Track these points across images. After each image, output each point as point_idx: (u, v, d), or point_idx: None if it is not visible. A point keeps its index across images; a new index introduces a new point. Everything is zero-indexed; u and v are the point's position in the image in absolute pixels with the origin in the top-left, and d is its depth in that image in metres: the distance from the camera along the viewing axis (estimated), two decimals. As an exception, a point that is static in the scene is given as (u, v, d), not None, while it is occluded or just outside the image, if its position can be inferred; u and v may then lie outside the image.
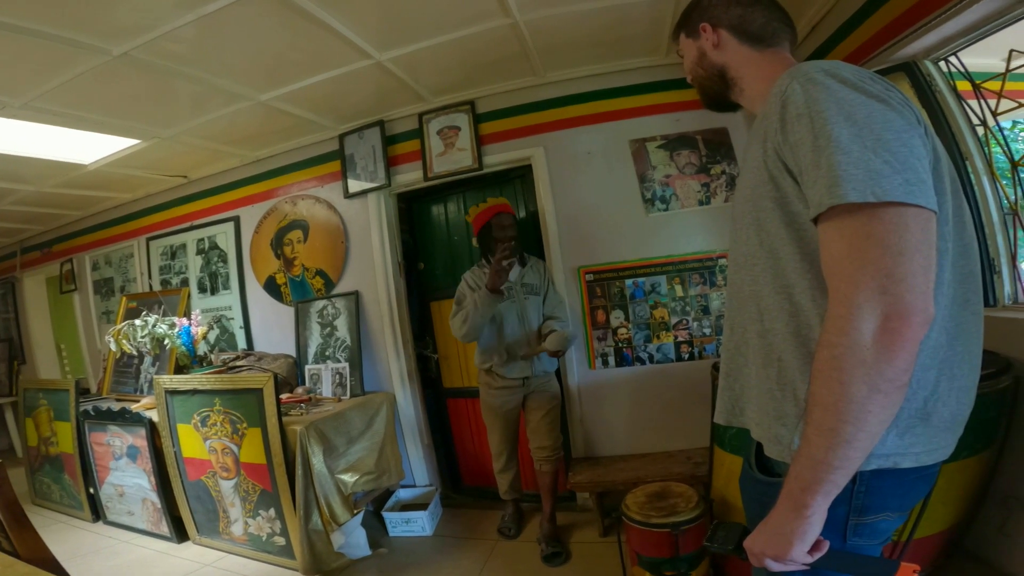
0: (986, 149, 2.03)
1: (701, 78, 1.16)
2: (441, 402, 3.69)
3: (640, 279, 3.09)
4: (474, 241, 3.08)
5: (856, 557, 0.88)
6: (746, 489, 1.10)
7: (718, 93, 1.15)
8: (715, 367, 2.29)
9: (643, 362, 3.08)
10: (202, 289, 4.07)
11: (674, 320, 3.05)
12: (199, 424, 2.92)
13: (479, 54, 2.79)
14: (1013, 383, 1.77)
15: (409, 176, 3.42)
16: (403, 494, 3.40)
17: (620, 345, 3.11)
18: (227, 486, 2.89)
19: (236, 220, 3.95)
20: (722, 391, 1.11)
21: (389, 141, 3.45)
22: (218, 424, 2.86)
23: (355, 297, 3.49)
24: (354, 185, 3.52)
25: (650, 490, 2.34)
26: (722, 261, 3.01)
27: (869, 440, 0.74)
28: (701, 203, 3.04)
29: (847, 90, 0.80)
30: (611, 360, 3.13)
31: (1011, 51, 2.01)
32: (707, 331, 3.02)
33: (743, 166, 1.05)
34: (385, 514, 3.14)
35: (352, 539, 2.76)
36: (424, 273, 3.69)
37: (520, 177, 3.39)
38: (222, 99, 2.89)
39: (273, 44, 2.43)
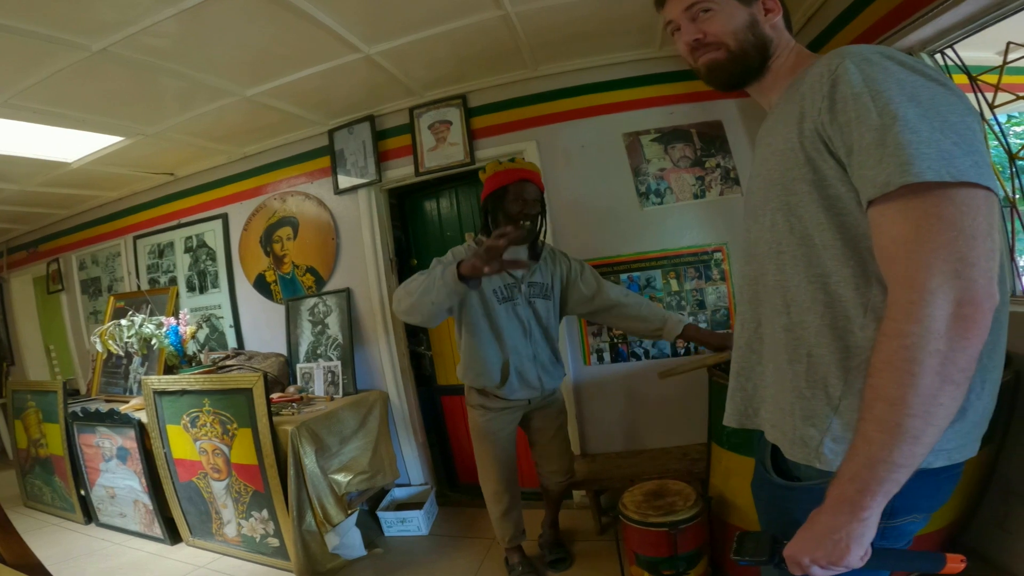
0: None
1: (746, 45, 1.02)
2: (435, 399, 3.66)
3: (635, 273, 3.06)
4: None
5: (903, 553, 0.86)
6: (760, 494, 1.06)
7: (749, 70, 1.05)
8: (718, 366, 2.24)
9: (638, 358, 3.06)
10: (191, 288, 4.01)
11: (669, 315, 3.02)
12: (189, 425, 2.89)
13: (470, 47, 2.73)
14: (1014, 377, 1.76)
15: (400, 171, 3.37)
16: (398, 493, 3.37)
17: (615, 341, 3.09)
18: (219, 487, 2.86)
19: (224, 217, 3.89)
20: (732, 392, 1.06)
21: (379, 136, 3.39)
22: (208, 425, 2.82)
23: (347, 294, 3.45)
24: (344, 181, 3.47)
25: (647, 488, 2.32)
26: (717, 255, 2.99)
27: (937, 434, 0.70)
28: (696, 196, 3.01)
29: (906, 72, 0.77)
30: (606, 356, 3.10)
31: (1008, 43, 1.99)
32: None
33: (762, 151, 0.99)
34: (380, 514, 3.11)
35: (347, 540, 2.73)
36: (417, 269, 3.63)
37: (513, 172, 3.33)
38: (207, 95, 2.83)
39: (258, 38, 2.37)
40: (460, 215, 3.54)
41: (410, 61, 2.82)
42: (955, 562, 0.79)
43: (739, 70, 1.05)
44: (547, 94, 3.14)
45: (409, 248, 3.67)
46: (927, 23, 1.89)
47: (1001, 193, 0.73)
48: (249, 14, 2.15)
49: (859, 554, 0.77)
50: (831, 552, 0.77)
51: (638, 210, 3.05)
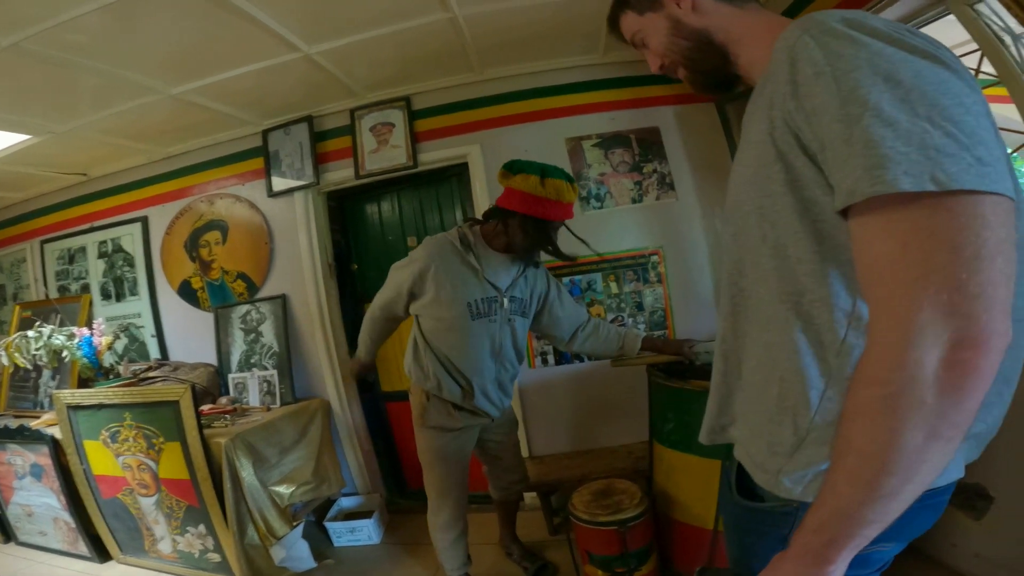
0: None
1: (687, 52, 0.95)
2: (380, 406, 3.58)
3: (577, 277, 3.13)
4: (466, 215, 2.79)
5: None
6: (725, 511, 0.97)
7: (715, 66, 0.94)
8: (657, 366, 2.34)
9: (582, 360, 3.11)
10: (106, 296, 3.73)
11: (610, 317, 3.10)
12: (109, 440, 2.70)
13: (416, 49, 2.72)
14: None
15: (339, 174, 3.30)
16: (345, 503, 3.29)
17: (559, 343, 3.13)
18: (147, 503, 2.70)
19: (144, 220, 3.65)
20: (708, 407, 0.96)
21: (318, 137, 3.30)
22: (130, 440, 2.65)
23: (282, 301, 3.33)
24: (279, 183, 3.35)
25: (595, 488, 2.36)
26: (654, 258, 3.09)
27: (918, 490, 0.59)
28: (634, 201, 3.12)
29: (880, 44, 0.62)
30: (550, 359, 3.15)
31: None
32: (641, 327, 3.09)
33: (741, 143, 0.86)
34: (328, 524, 3.03)
35: (294, 552, 2.63)
36: (358, 274, 3.57)
37: (456, 175, 3.35)
38: (128, 92, 2.66)
39: (188, 34, 2.26)
40: (403, 219, 3.50)
41: (353, 62, 2.77)
42: None
43: (705, 77, 0.98)
44: (492, 98, 3.17)
45: (349, 252, 3.59)
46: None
47: (1014, 196, 0.59)
48: (181, 10, 2.06)
49: None
50: None
51: (580, 214, 3.09)
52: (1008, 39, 1.80)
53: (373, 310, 2.27)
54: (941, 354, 0.54)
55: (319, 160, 3.30)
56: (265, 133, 3.36)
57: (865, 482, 0.59)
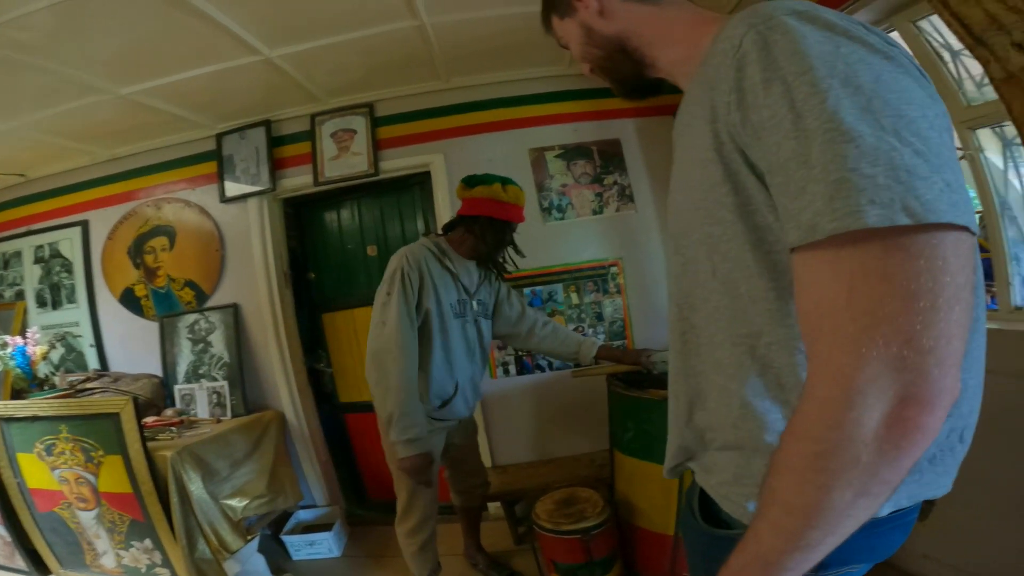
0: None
1: (600, 60, 0.91)
2: (339, 417, 3.50)
3: (538, 287, 3.14)
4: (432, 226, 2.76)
5: None
6: (687, 536, 0.91)
7: (631, 73, 0.89)
8: (617, 376, 2.39)
9: (543, 369, 3.13)
10: (41, 303, 3.52)
11: (571, 327, 3.12)
12: (44, 453, 2.55)
13: (382, 55, 2.70)
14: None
15: (297, 180, 3.22)
16: (303, 515, 3.20)
17: (520, 354, 3.13)
18: (87, 517, 2.57)
19: (85, 225, 3.47)
20: (668, 442, 0.89)
21: (276, 142, 3.23)
22: (67, 453, 2.51)
23: (233, 310, 3.21)
24: (232, 188, 3.25)
25: (558, 497, 2.37)
26: (614, 269, 3.14)
27: (839, 542, 0.54)
28: (595, 212, 3.16)
29: (836, 39, 0.54)
30: (512, 369, 3.15)
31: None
32: (601, 337, 3.13)
33: (678, 157, 0.77)
34: (285, 537, 2.95)
35: (249, 566, 2.55)
36: (315, 283, 3.49)
37: (419, 184, 3.32)
38: (74, 92, 2.54)
39: (142, 34, 2.18)
40: (363, 227, 3.44)
41: (316, 66, 2.73)
42: None
43: (623, 84, 0.94)
44: (458, 107, 3.17)
45: (306, 260, 3.50)
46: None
47: (979, 231, 0.53)
48: (135, 9, 1.98)
49: None
50: None
51: (541, 225, 3.14)
52: (947, 55, 1.90)
53: (397, 334, 1.95)
54: (885, 409, 0.48)
55: (276, 165, 3.22)
56: (219, 136, 3.27)
57: (789, 533, 0.55)
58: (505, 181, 2.12)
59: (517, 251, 2.23)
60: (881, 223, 0.47)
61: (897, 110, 0.50)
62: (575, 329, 3.11)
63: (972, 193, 1.89)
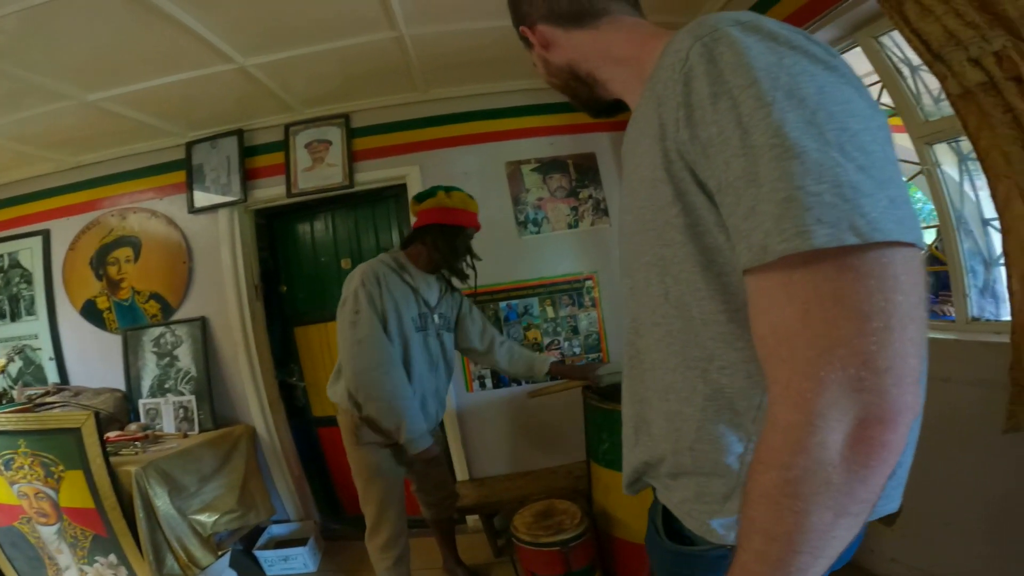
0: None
1: (559, 86, 0.95)
2: (311, 431, 3.43)
3: (514, 301, 3.15)
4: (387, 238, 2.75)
5: None
6: (653, 553, 0.90)
7: (588, 96, 0.92)
8: (590, 388, 2.40)
9: (519, 383, 3.12)
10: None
11: (547, 341, 3.14)
12: (2, 467, 2.48)
13: (359, 66, 2.69)
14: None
15: (270, 191, 3.17)
16: (277, 530, 3.13)
17: (496, 367, 3.13)
18: (48, 532, 2.51)
19: (46, 234, 3.36)
20: (624, 461, 0.87)
21: (248, 152, 3.18)
22: (26, 468, 2.45)
23: (201, 323, 3.14)
24: (201, 199, 3.19)
25: (536, 509, 2.37)
26: (589, 283, 3.17)
27: (829, 563, 0.54)
28: (570, 226, 3.19)
29: (782, 50, 0.54)
30: (488, 382, 3.14)
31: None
32: (577, 350, 3.15)
33: (627, 175, 0.76)
34: (259, 553, 2.89)
35: (220, 582, 2.47)
36: (287, 296, 3.43)
37: (394, 196, 3.30)
38: (38, 97, 2.47)
39: (110, 40, 2.13)
40: (336, 239, 3.41)
41: (291, 76, 2.70)
42: None
43: (587, 107, 0.96)
44: (434, 119, 3.17)
45: (278, 273, 3.44)
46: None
47: (924, 246, 0.52)
48: (103, 14, 1.94)
49: None
50: None
51: (517, 238, 3.15)
52: (906, 71, 1.97)
53: (378, 351, 2.00)
54: (847, 430, 0.48)
55: (248, 176, 3.17)
56: (189, 145, 3.20)
57: (775, 561, 0.53)
58: (449, 189, 2.18)
59: (473, 256, 2.23)
60: (829, 243, 0.46)
61: (841, 123, 0.50)
62: (550, 343, 3.12)
63: (929, 206, 1.94)
